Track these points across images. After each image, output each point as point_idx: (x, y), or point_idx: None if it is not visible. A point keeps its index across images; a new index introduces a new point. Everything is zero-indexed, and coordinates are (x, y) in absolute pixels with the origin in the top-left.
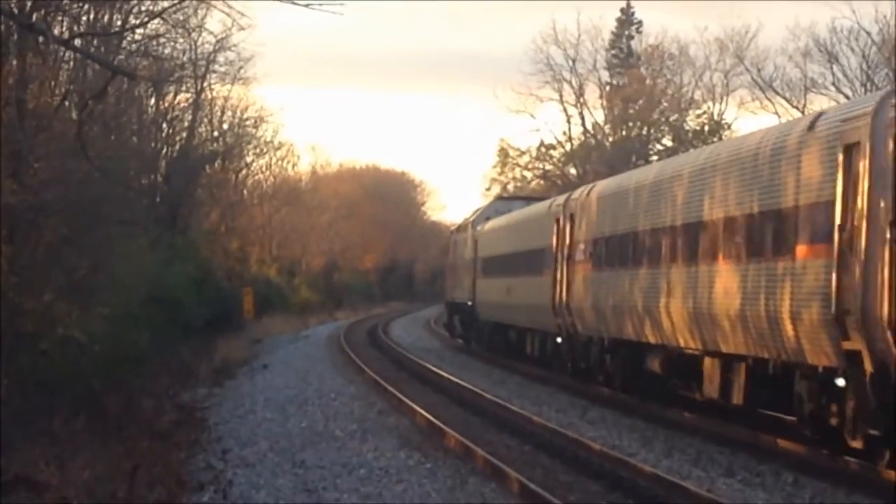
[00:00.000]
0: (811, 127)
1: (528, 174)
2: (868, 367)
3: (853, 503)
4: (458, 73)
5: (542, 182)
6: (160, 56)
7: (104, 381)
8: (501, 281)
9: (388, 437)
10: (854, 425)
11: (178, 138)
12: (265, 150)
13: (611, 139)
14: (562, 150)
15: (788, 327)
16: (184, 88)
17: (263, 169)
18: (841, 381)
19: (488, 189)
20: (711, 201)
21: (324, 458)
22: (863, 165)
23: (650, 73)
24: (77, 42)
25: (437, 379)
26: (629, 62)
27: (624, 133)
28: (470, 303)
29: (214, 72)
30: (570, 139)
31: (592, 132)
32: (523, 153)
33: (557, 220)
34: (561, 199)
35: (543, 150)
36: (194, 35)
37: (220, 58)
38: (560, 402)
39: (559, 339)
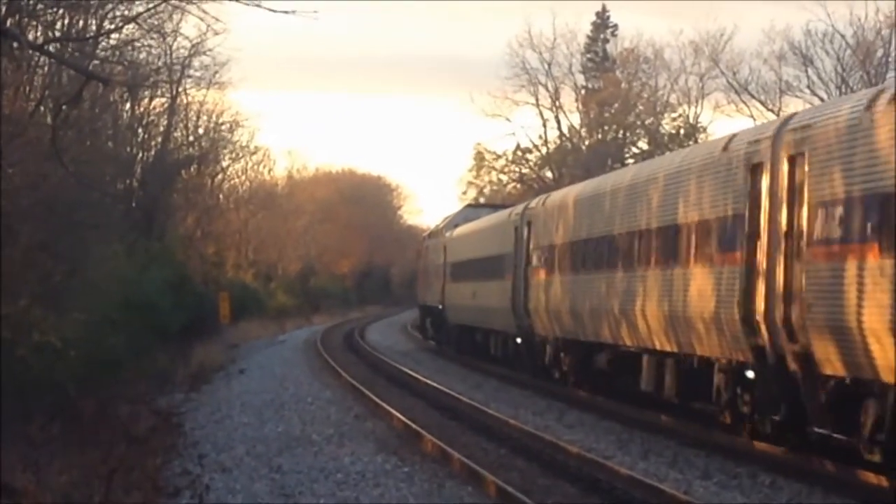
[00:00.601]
0: (725, 147)
1: (505, 178)
2: (770, 361)
3: None
4: (434, 78)
5: (518, 186)
6: (135, 61)
7: (80, 386)
8: (468, 285)
9: (364, 441)
10: (761, 412)
11: (153, 143)
12: (241, 154)
13: (587, 143)
14: (538, 153)
15: (706, 325)
16: (159, 93)
17: (239, 173)
18: (750, 374)
19: (464, 193)
20: (637, 215)
21: (301, 463)
22: (765, 183)
23: (625, 77)
24: (51, 47)
25: (413, 383)
26: (605, 66)
27: (600, 136)
28: (440, 306)
29: (190, 76)
30: (546, 143)
31: (568, 136)
32: (499, 157)
33: (516, 228)
34: (520, 208)
35: (519, 153)
36: (169, 40)
37: (196, 62)
38: (537, 406)
39: (519, 340)
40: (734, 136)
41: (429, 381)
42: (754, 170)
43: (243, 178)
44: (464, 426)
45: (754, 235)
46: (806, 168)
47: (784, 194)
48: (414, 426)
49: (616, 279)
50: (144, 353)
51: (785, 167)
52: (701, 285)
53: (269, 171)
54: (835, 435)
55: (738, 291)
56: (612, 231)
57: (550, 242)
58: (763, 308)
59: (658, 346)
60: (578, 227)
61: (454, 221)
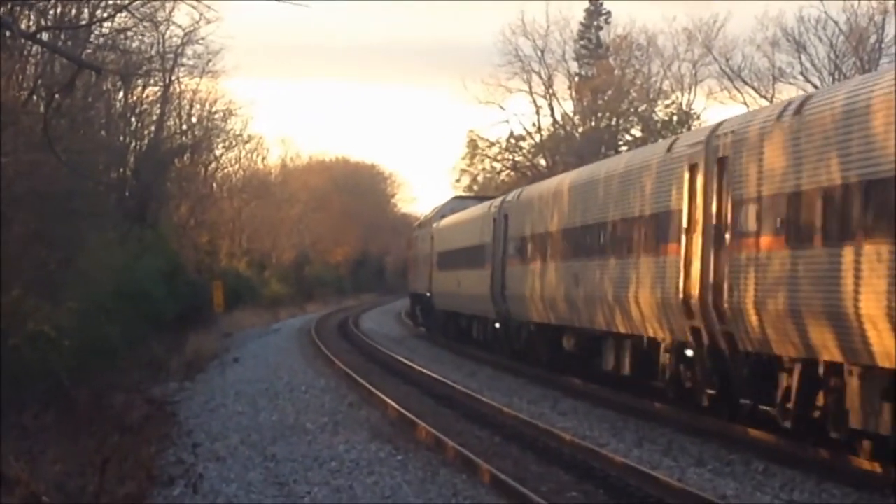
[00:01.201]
0: (669, 149)
1: (498, 165)
2: (705, 340)
3: (823, 491)
4: (427, 65)
5: (511, 173)
6: (128, 50)
7: (74, 375)
8: (453, 273)
9: (359, 429)
10: (699, 388)
11: (146, 132)
12: (234, 143)
13: (580, 130)
14: (531, 141)
15: (653, 309)
16: (152, 82)
17: (233, 162)
18: (690, 352)
19: (458, 181)
20: (593, 211)
21: (295, 452)
22: (699, 182)
23: (619, 64)
24: (44, 36)
25: (407, 371)
26: (598, 53)
27: (593, 124)
28: (428, 293)
29: (182, 65)
30: (539, 130)
31: (562, 123)
32: (493, 144)
33: (495, 220)
34: (498, 201)
35: (513, 141)
36: (162, 28)
37: (189, 51)
38: (531, 394)
39: (497, 325)
40: (677, 138)
41: (423, 370)
42: (692, 170)
43: (237, 166)
44: (458, 414)
45: (691, 228)
46: (728, 169)
47: (713, 192)
48: (408, 414)
49: (578, 269)
50: (138, 342)
51: (714, 168)
52: (649, 274)
53: (263, 159)
54: (760, 406)
55: (678, 279)
56: (575, 223)
57: (523, 234)
58: (697, 294)
59: (616, 330)
60: (544, 221)
61: (441, 212)
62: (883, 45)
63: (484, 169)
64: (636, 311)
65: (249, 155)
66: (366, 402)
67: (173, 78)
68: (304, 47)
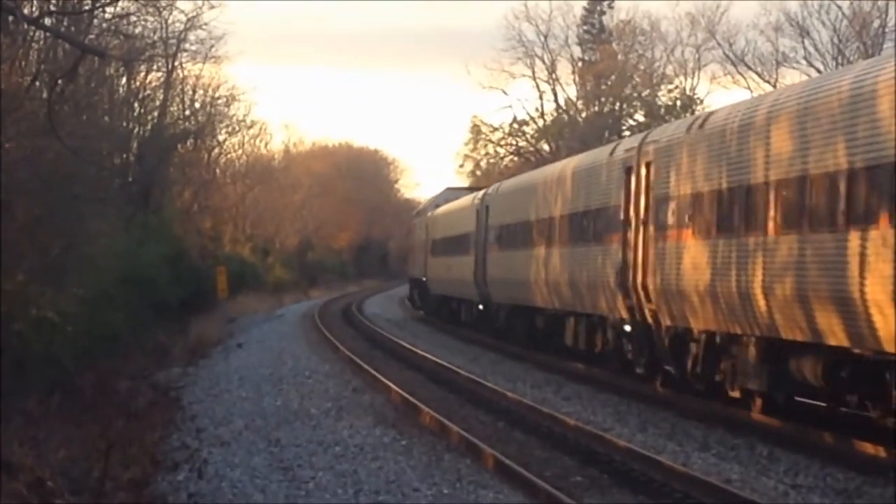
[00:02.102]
0: (612, 153)
1: (502, 151)
2: (638, 317)
3: (828, 476)
4: (430, 50)
5: (515, 159)
6: (131, 35)
7: (78, 361)
8: (444, 260)
9: (363, 414)
10: (636, 357)
11: (149, 117)
12: (237, 128)
13: (583, 115)
14: (535, 126)
15: (604, 292)
16: (155, 67)
17: (236, 147)
18: (628, 328)
19: (461, 166)
20: (558, 203)
21: (299, 437)
22: (633, 182)
23: (622, 49)
24: (47, 21)
25: (411, 356)
26: (601, 38)
27: (596, 109)
28: (424, 278)
29: (186, 50)
30: (542, 115)
31: (565, 108)
32: (496, 130)
33: (478, 211)
34: (481, 193)
35: (516, 126)
36: (165, 13)
37: (192, 36)
38: (535, 379)
39: (480, 307)
40: (618, 144)
41: (426, 355)
42: (627, 172)
43: (240, 152)
44: (462, 399)
45: (627, 221)
46: (653, 172)
47: (642, 191)
48: (412, 399)
49: (542, 255)
50: (142, 328)
51: (643, 171)
52: (598, 259)
53: (266, 145)
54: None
55: (618, 264)
56: (542, 215)
57: (499, 223)
58: (632, 277)
59: (573, 309)
60: (515, 212)
61: (436, 202)
62: (887, 30)
63: (487, 154)
64: (587, 292)
65: (253, 140)
66: (370, 388)
67: (176, 63)
68: (307, 33)
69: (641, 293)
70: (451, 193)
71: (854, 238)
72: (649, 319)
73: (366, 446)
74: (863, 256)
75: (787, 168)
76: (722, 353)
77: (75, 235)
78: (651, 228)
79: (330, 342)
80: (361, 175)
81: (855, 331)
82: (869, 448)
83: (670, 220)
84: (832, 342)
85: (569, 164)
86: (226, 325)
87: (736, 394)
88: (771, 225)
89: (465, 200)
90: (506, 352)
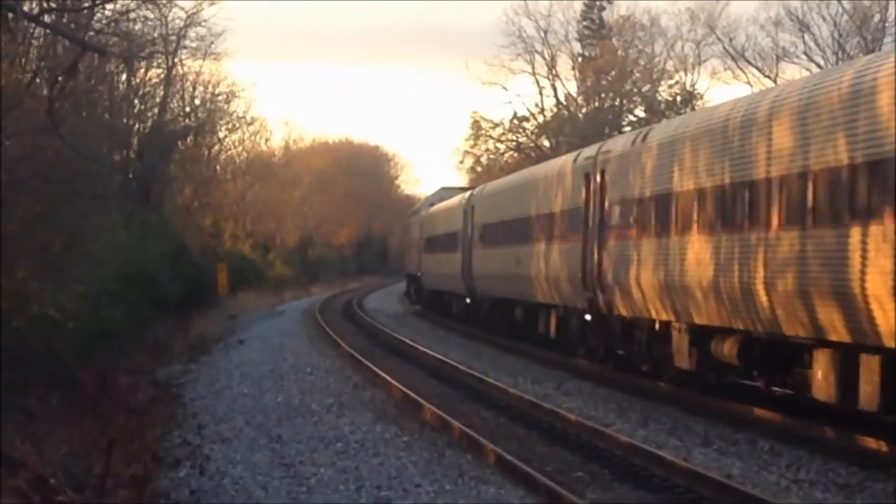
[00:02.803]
0: (575, 160)
1: (502, 146)
2: (595, 308)
3: (829, 471)
4: (430, 46)
5: (515, 154)
6: (131, 32)
7: (79, 357)
8: (435, 256)
9: (364, 410)
10: (595, 342)
11: (149, 114)
12: (237, 125)
13: (584, 111)
14: (535, 122)
15: (568, 285)
16: (155, 64)
17: (236, 144)
18: (588, 317)
19: (461, 162)
20: (532, 204)
21: (300, 433)
22: (592, 187)
23: (622, 44)
24: (47, 18)
25: (412, 352)
26: (601, 33)
27: (597, 104)
28: (418, 274)
29: (185, 47)
30: (542, 111)
31: (565, 104)
32: (496, 125)
33: (465, 211)
34: (468, 194)
35: (516, 122)
36: (165, 10)
37: (191, 33)
38: (536, 374)
39: (468, 300)
40: (580, 152)
41: (427, 350)
42: (586, 178)
43: (240, 148)
44: (463, 395)
45: (586, 222)
46: (607, 178)
47: (598, 195)
48: (413, 395)
49: (520, 252)
50: (143, 325)
51: (598, 178)
52: (565, 256)
53: (266, 141)
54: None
55: (579, 260)
56: (514, 216)
57: (483, 222)
58: (589, 272)
59: (545, 301)
60: (497, 212)
61: (430, 201)
62: (887, 25)
63: (487, 150)
64: (556, 286)
65: (253, 137)
66: (370, 384)
67: (176, 60)
68: (307, 29)
69: (598, 286)
70: (445, 193)
71: (755, 236)
72: (604, 310)
73: (367, 442)
74: (756, 252)
75: (709, 179)
76: (661, 338)
77: (76, 232)
78: (605, 228)
79: (331, 338)
80: (362, 171)
81: (766, 318)
82: (871, 443)
83: (620, 221)
84: (739, 326)
85: (540, 169)
86: (227, 322)
87: (670, 373)
88: (695, 227)
89: (455, 200)
90: (506, 347)
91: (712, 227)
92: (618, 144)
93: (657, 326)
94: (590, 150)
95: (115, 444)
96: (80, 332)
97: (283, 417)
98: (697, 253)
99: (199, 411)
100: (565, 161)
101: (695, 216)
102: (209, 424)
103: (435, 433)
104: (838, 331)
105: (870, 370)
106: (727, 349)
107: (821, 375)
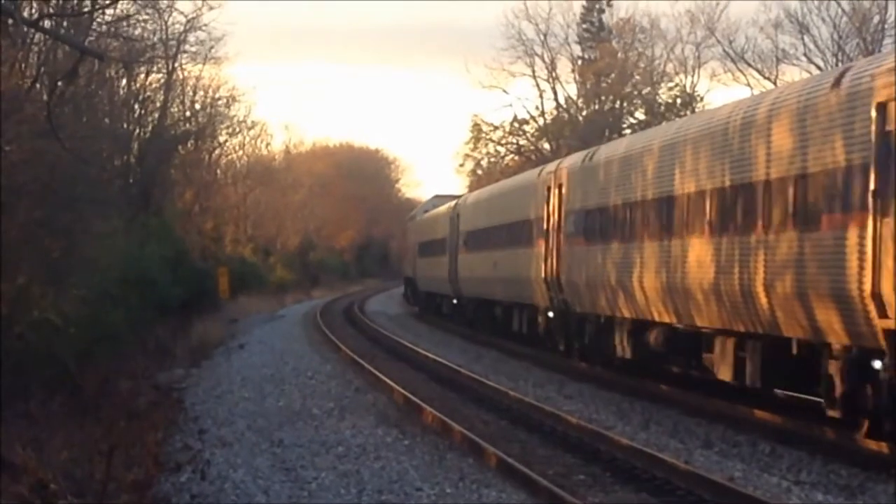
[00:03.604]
0: (539, 175)
1: (502, 150)
2: (557, 306)
3: (830, 472)
4: (430, 50)
5: (515, 157)
6: (130, 37)
7: (80, 362)
8: (427, 260)
9: (365, 414)
10: (558, 336)
11: (150, 119)
12: (238, 129)
13: (584, 113)
14: (535, 124)
15: (535, 286)
16: (155, 69)
17: (237, 148)
18: (551, 314)
19: (462, 165)
20: (506, 213)
21: (301, 437)
22: (552, 198)
23: (622, 47)
24: (46, 23)
25: (413, 355)
26: (601, 36)
27: (597, 107)
28: (413, 277)
29: (185, 52)
30: (542, 114)
31: (565, 106)
32: (496, 128)
33: (451, 218)
34: (454, 202)
35: (516, 125)
36: (164, 15)
37: (191, 38)
38: (537, 377)
39: (455, 301)
40: (544, 167)
41: (428, 354)
42: (548, 190)
43: (241, 152)
44: (464, 398)
45: (548, 229)
46: (564, 191)
47: (556, 206)
48: (414, 399)
49: (497, 257)
50: (144, 329)
51: (556, 190)
52: (531, 259)
53: (267, 145)
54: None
55: (542, 264)
56: (493, 223)
57: (467, 229)
58: (551, 274)
59: (517, 301)
60: (478, 220)
61: (424, 208)
62: (886, 26)
63: (488, 153)
64: (526, 287)
65: (253, 141)
66: (372, 387)
67: (176, 65)
68: (307, 33)
69: (557, 287)
70: (438, 201)
71: (674, 243)
72: (563, 307)
73: (368, 446)
74: (675, 256)
75: (651, 191)
76: (607, 331)
77: (76, 237)
78: (562, 235)
79: (332, 342)
80: (362, 175)
81: (684, 311)
82: (872, 444)
83: (573, 228)
84: (665, 320)
85: (514, 181)
86: (228, 326)
87: (615, 361)
88: (640, 234)
89: (443, 208)
90: (507, 350)
91: (642, 234)
92: (572, 161)
93: (603, 321)
94: (551, 166)
95: (116, 448)
96: (80, 336)
97: (285, 421)
98: (631, 257)
99: (200, 415)
100: (533, 175)
101: (632, 226)
102: (210, 429)
103: (436, 437)
104: (734, 322)
105: (754, 352)
106: (654, 339)
107: (720, 359)
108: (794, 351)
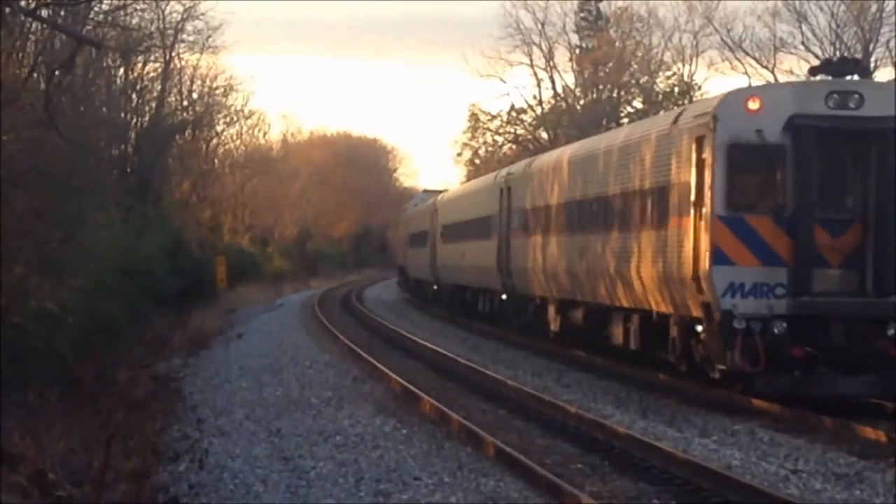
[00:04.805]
0: (495, 178)
1: (500, 139)
2: (508, 289)
3: (829, 460)
4: (428, 38)
5: (513, 147)
6: (128, 26)
7: (78, 352)
8: (414, 250)
9: (363, 403)
10: (511, 315)
11: (147, 108)
12: (236, 118)
13: (581, 102)
14: (533, 114)
15: (492, 273)
16: (152, 58)
17: (234, 138)
18: (504, 296)
19: (459, 154)
20: (470, 210)
21: (299, 426)
22: (504, 199)
23: (619, 36)
24: (43, 12)
25: (411, 345)
26: (598, 25)
27: (594, 96)
28: (405, 265)
29: (183, 41)
30: (540, 103)
31: (563, 95)
32: (494, 118)
33: (432, 213)
34: (434, 198)
35: (514, 114)
36: (162, 4)
37: (189, 27)
38: (535, 366)
39: (435, 287)
40: (499, 172)
41: (426, 343)
42: (500, 192)
43: (238, 142)
44: (462, 387)
45: (501, 225)
46: (510, 194)
47: (507, 206)
48: (412, 388)
49: (465, 248)
50: (142, 319)
51: (506, 191)
52: (490, 250)
53: (264, 134)
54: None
55: (497, 254)
56: (463, 218)
57: (443, 223)
58: (503, 262)
59: (481, 287)
60: (451, 215)
61: (414, 202)
62: (884, 15)
63: (486, 143)
64: (485, 274)
65: (251, 130)
66: (370, 377)
67: (174, 54)
68: (304, 22)
69: (507, 273)
70: (427, 195)
71: (591, 238)
72: (512, 290)
73: (366, 435)
74: (592, 247)
75: (563, 196)
76: (543, 310)
77: (74, 227)
78: (510, 230)
79: (330, 332)
80: (360, 164)
81: (599, 290)
82: (870, 433)
83: (516, 224)
84: (579, 299)
85: (479, 182)
86: (225, 316)
87: (547, 336)
88: (556, 230)
89: (427, 204)
90: (506, 340)
91: (564, 230)
92: (518, 167)
93: (538, 301)
94: (504, 171)
95: (114, 438)
96: (78, 326)
97: (283, 411)
98: (559, 248)
99: (198, 405)
100: (492, 177)
101: (555, 222)
102: (208, 418)
103: (434, 426)
104: (623, 299)
105: (639, 325)
106: (577, 316)
107: (616, 330)
108: (655, 320)
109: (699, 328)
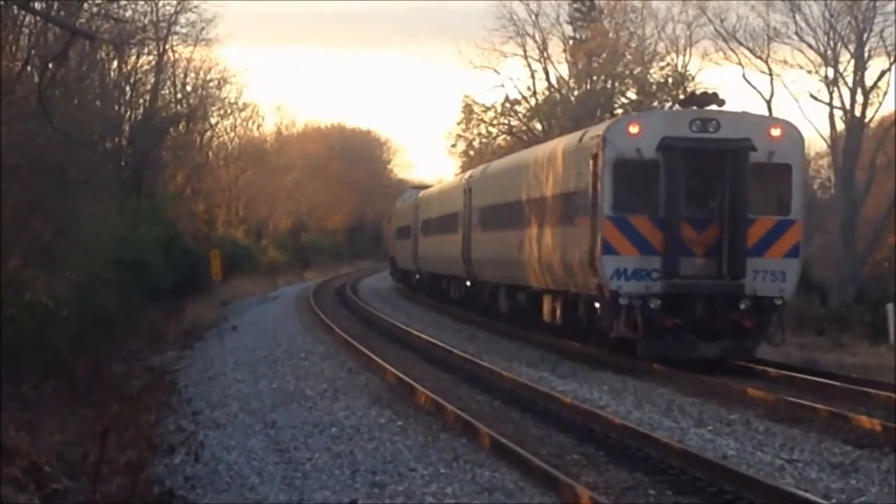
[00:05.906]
0: (461, 179)
1: (494, 130)
2: (470, 276)
3: (824, 450)
4: (421, 30)
5: (507, 138)
6: (121, 18)
7: (73, 345)
8: (401, 243)
9: (358, 395)
10: (472, 300)
11: (141, 101)
12: (229, 111)
13: (575, 93)
14: (527, 105)
15: (459, 263)
16: (146, 51)
17: (228, 130)
18: (468, 283)
19: (453, 146)
20: (443, 207)
21: (295, 418)
22: (465, 199)
23: (613, 27)
24: (37, 5)
25: (406, 336)
26: (592, 16)
27: (588, 87)
28: (395, 256)
29: (176, 33)
30: (534, 94)
31: (557, 87)
32: (488, 109)
33: (415, 208)
34: (416, 195)
35: (508, 105)
36: None
37: (182, 19)
38: (530, 357)
39: (417, 276)
40: (464, 174)
41: (421, 335)
42: (464, 192)
43: (232, 134)
44: (457, 379)
45: (464, 221)
46: (471, 194)
47: (469, 204)
48: (407, 379)
49: (442, 241)
50: (136, 312)
51: (469, 191)
52: (456, 243)
53: (258, 127)
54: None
55: (460, 246)
56: (441, 214)
57: (423, 217)
58: (465, 253)
59: (451, 274)
60: (430, 211)
61: (403, 198)
62: (877, 4)
63: (480, 134)
64: (452, 263)
65: (245, 123)
66: (365, 369)
67: (167, 46)
68: (297, 14)
69: (470, 263)
70: (415, 192)
71: (525, 232)
72: (473, 278)
73: (362, 427)
74: (528, 240)
75: (507, 197)
76: (496, 293)
77: (68, 220)
78: (471, 226)
79: (324, 323)
80: (354, 156)
81: (530, 278)
82: (865, 422)
83: (476, 220)
84: (522, 284)
85: (449, 182)
86: (220, 308)
87: (504, 313)
88: (503, 225)
89: (412, 201)
90: (501, 331)
91: (508, 225)
92: (477, 171)
93: (492, 286)
94: (467, 173)
95: (109, 431)
96: (73, 319)
97: (278, 403)
98: (509, 240)
99: (193, 398)
100: (455, 180)
101: (502, 219)
102: (204, 411)
103: (429, 417)
104: (550, 283)
105: (561, 304)
106: (521, 298)
107: (546, 308)
108: (570, 300)
109: (596, 304)
